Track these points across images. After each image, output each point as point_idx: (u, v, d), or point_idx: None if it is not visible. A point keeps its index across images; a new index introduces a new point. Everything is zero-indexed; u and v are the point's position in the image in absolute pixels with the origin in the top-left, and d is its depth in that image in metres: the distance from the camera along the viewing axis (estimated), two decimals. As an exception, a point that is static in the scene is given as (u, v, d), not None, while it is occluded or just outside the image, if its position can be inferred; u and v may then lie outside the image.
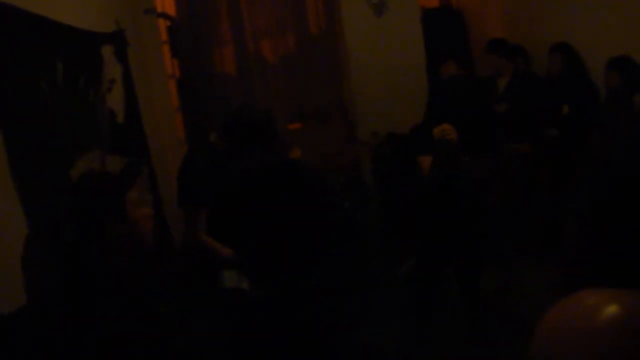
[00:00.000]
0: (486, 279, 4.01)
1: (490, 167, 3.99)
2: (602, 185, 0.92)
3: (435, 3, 7.33)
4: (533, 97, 5.09)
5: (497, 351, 3.64)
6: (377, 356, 3.91)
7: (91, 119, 3.43)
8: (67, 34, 3.20)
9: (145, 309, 2.31)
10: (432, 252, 3.81)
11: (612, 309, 0.74)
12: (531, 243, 4.84)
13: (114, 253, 2.26)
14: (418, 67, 5.53)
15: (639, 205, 0.81)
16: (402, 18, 5.45)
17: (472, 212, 3.65)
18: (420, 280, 3.90)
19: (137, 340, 2.21)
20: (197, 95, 5.55)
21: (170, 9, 5.55)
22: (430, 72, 5.54)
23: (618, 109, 4.35)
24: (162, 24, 5.26)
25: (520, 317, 3.68)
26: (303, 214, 3.10)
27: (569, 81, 4.97)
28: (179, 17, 5.58)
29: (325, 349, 3.32)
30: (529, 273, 4.50)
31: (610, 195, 0.85)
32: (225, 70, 5.89)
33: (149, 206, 2.79)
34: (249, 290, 2.99)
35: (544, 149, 5.03)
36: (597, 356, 0.71)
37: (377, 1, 5.40)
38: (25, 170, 2.46)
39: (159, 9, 5.10)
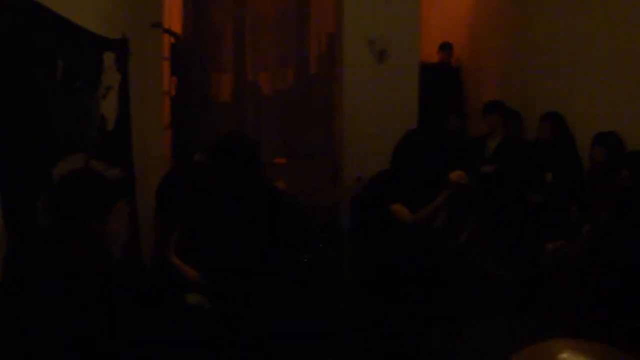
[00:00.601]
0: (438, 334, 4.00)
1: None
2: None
3: (435, 59, 7.45)
4: (519, 163, 5.17)
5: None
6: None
7: (82, 122, 3.41)
8: (72, 31, 3.19)
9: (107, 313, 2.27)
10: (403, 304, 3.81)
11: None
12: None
13: (88, 252, 2.23)
14: (410, 118, 5.60)
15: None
16: (401, 68, 5.55)
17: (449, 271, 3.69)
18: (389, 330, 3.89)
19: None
20: (189, 116, 5.55)
21: (177, 27, 5.59)
22: (422, 124, 5.61)
23: (601, 183, 4.44)
24: (167, 40, 5.28)
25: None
26: (271, 238, 3.13)
27: (555, 150, 5.08)
28: (184, 36, 5.62)
29: None
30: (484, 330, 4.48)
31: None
32: (221, 96, 5.92)
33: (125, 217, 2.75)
34: (209, 308, 2.97)
35: (524, 214, 5.10)
36: None
37: (380, 49, 5.48)
38: (8, 159, 2.43)
39: (166, 25, 5.13)
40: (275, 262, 3.15)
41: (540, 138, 5.25)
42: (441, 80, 7.11)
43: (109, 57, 3.90)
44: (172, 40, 5.43)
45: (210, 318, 2.97)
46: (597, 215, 3.76)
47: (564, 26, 5.43)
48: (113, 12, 4.16)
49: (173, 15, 5.43)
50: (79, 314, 2.10)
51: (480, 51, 7.28)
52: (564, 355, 0.77)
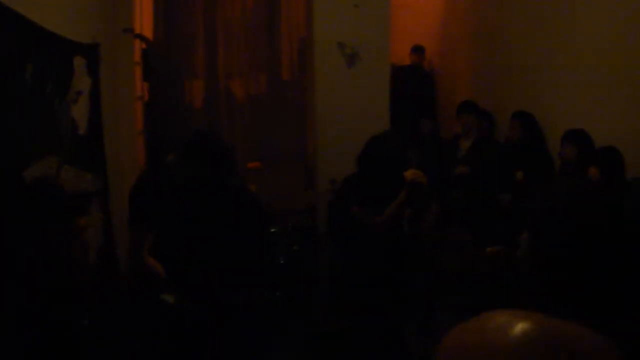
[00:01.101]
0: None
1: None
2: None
3: (406, 62, 7.52)
4: (492, 163, 5.23)
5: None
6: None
7: (53, 125, 3.40)
8: (42, 36, 3.20)
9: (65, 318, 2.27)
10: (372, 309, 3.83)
11: (523, 326, 0.74)
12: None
13: (53, 258, 2.22)
14: (381, 120, 5.63)
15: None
16: (371, 71, 5.58)
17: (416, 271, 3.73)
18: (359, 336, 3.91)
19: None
20: (162, 122, 5.55)
21: (148, 33, 5.59)
22: (395, 127, 5.65)
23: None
24: (138, 45, 5.28)
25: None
26: (237, 236, 3.15)
27: (525, 148, 5.14)
28: (155, 42, 5.62)
29: None
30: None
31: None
32: (194, 102, 5.93)
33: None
34: (175, 304, 2.99)
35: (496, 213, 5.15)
36: None
37: (350, 52, 5.52)
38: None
39: (137, 30, 5.14)
40: (241, 260, 3.17)
41: (511, 137, 5.33)
42: (413, 82, 7.17)
43: (79, 62, 3.90)
44: (144, 45, 5.43)
45: (179, 316, 2.99)
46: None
47: (532, 27, 5.52)
48: (83, 17, 4.17)
49: (144, 21, 5.43)
50: (47, 315, 2.10)
51: (451, 53, 7.37)
52: (503, 318, 0.78)
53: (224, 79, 5.87)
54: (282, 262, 4.89)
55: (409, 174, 3.64)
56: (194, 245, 3.13)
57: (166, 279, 3.07)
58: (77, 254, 2.38)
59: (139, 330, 3.04)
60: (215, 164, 3.13)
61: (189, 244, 3.14)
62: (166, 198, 3.18)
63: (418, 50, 7.48)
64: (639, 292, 1.30)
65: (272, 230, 5.06)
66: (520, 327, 0.73)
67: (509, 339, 0.72)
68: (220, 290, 3.13)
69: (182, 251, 3.14)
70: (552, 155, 5.03)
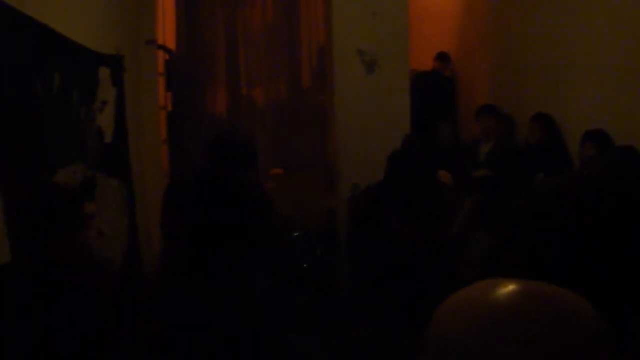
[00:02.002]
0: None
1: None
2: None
3: (426, 67, 7.54)
4: (511, 166, 5.24)
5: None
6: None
7: (79, 133, 3.51)
8: (68, 47, 3.31)
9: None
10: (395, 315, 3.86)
11: (509, 287, 0.78)
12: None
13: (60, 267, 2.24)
14: (402, 126, 5.68)
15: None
16: (391, 77, 5.62)
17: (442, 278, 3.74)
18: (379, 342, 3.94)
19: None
20: (185, 131, 5.65)
21: (171, 44, 5.71)
22: (415, 132, 5.69)
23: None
24: (161, 56, 5.40)
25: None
26: (247, 228, 3.21)
27: (545, 150, 5.14)
28: (178, 53, 5.73)
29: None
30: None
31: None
32: (216, 110, 6.03)
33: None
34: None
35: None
36: (495, 331, 0.74)
37: (370, 59, 5.58)
38: (6, 165, 2.53)
39: (160, 41, 5.25)
40: (245, 250, 3.22)
41: (530, 139, 5.33)
42: (432, 87, 7.20)
43: (104, 72, 4.02)
44: (167, 56, 5.54)
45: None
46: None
47: (550, 28, 5.54)
48: (108, 29, 4.28)
49: (167, 32, 5.55)
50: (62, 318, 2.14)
51: (469, 57, 7.38)
52: (487, 282, 0.82)
53: (246, 88, 5.97)
54: (305, 266, 4.95)
55: (443, 175, 3.70)
56: (207, 241, 3.19)
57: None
58: (85, 242, 2.38)
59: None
60: (238, 161, 3.19)
61: (199, 240, 3.20)
62: (191, 199, 3.26)
63: (442, 57, 7.48)
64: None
65: (295, 234, 5.14)
66: (504, 288, 0.78)
67: (494, 298, 0.77)
68: (230, 281, 3.19)
69: (197, 249, 3.21)
70: (572, 157, 5.03)
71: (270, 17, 5.96)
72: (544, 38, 5.63)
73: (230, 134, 3.33)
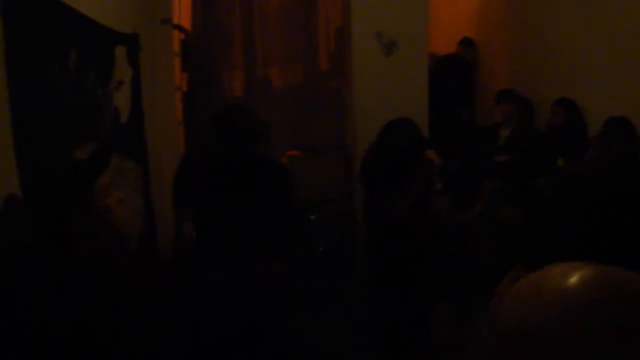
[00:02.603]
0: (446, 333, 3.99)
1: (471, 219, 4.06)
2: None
3: (445, 51, 7.45)
4: (532, 152, 5.18)
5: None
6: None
7: (95, 112, 3.46)
8: (85, 24, 3.26)
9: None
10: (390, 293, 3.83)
11: (580, 272, 0.74)
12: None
13: (81, 241, 2.22)
14: (420, 109, 5.61)
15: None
16: (409, 60, 5.55)
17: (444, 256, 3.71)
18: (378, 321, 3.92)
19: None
20: (201, 112, 5.59)
21: (186, 24, 5.64)
22: (434, 115, 5.62)
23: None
24: (177, 36, 5.34)
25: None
26: (263, 207, 3.19)
27: (567, 135, 5.08)
28: (193, 33, 5.67)
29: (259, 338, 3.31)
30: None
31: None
32: (232, 92, 5.97)
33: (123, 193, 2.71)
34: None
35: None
36: (567, 315, 0.71)
37: (388, 41, 5.50)
38: (25, 144, 2.48)
39: (176, 21, 5.19)
40: (267, 231, 3.20)
41: (553, 123, 5.27)
42: (451, 71, 7.11)
43: (120, 51, 3.97)
44: (182, 36, 5.48)
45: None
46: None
47: (569, 11, 5.46)
48: (123, 7, 4.23)
49: (183, 12, 5.48)
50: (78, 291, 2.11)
51: (489, 41, 7.29)
52: (559, 269, 0.79)
53: (262, 69, 5.91)
54: (322, 249, 4.91)
55: (430, 154, 3.72)
56: (226, 218, 3.17)
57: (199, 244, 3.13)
58: (105, 210, 2.35)
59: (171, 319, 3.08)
60: (244, 137, 3.16)
61: (222, 217, 3.18)
62: (204, 176, 3.24)
63: (466, 42, 7.37)
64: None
65: (312, 217, 5.09)
66: (578, 273, 0.74)
67: (567, 285, 0.73)
68: (250, 261, 3.17)
69: (216, 224, 3.19)
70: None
71: (288, -2, 5.89)
72: (563, 22, 5.55)
73: (236, 111, 3.27)
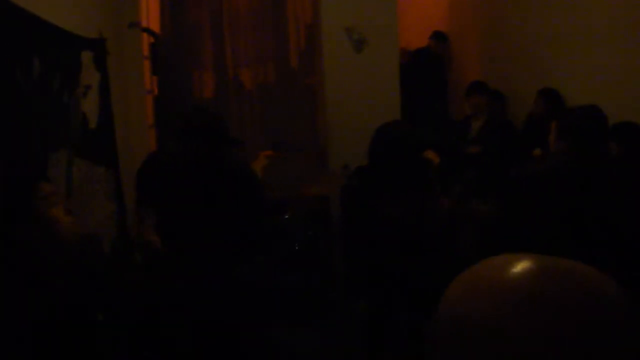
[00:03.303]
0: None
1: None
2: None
3: (415, 45, 7.46)
4: (504, 142, 5.21)
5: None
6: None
7: (63, 119, 3.44)
8: (47, 30, 3.22)
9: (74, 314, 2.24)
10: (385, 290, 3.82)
11: (519, 264, 0.73)
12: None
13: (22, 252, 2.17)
14: (392, 104, 5.62)
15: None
16: (380, 55, 5.56)
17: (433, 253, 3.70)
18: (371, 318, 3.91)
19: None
20: (172, 114, 5.57)
21: (155, 27, 5.61)
22: (407, 111, 5.65)
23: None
24: (146, 39, 5.31)
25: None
26: (229, 210, 3.18)
27: (546, 125, 5.13)
28: (163, 36, 5.64)
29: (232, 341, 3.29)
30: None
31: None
32: (204, 93, 5.95)
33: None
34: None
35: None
36: (502, 310, 0.69)
37: (358, 37, 5.51)
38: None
39: (144, 24, 5.16)
40: (235, 234, 3.19)
41: (534, 113, 5.32)
42: (422, 65, 7.13)
43: (86, 56, 3.93)
44: (152, 39, 5.45)
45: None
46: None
47: (542, 4, 5.49)
48: (89, 12, 4.20)
49: (151, 15, 5.46)
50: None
51: (461, 34, 7.32)
52: (501, 259, 0.78)
53: (233, 70, 5.89)
54: (297, 247, 4.91)
55: (430, 154, 3.73)
56: (189, 220, 3.17)
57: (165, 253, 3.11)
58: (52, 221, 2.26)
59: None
60: (203, 138, 3.16)
61: (185, 220, 3.18)
62: (167, 177, 3.23)
63: (437, 36, 7.35)
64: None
65: (286, 216, 5.08)
66: (516, 265, 0.73)
67: (504, 278, 0.72)
68: (218, 263, 3.16)
69: (180, 227, 3.18)
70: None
71: (256, -4, 5.88)
72: (535, 14, 5.58)
73: (198, 112, 3.28)
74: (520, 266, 0.73)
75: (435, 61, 7.33)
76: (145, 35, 5.26)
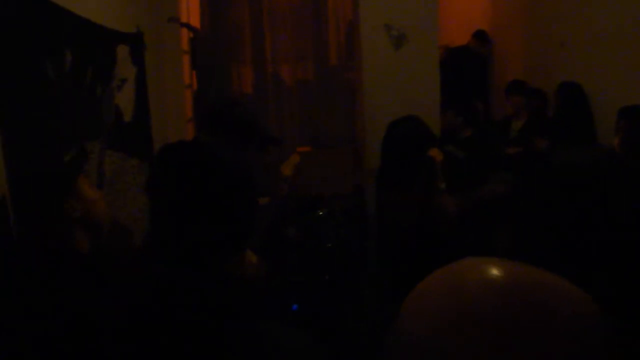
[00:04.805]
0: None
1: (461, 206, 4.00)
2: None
3: (457, 42, 7.36)
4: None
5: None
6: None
7: (94, 112, 3.49)
8: (79, 25, 3.28)
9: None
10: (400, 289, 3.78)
11: (483, 272, 0.67)
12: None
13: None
14: (432, 102, 5.56)
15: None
16: (420, 52, 5.50)
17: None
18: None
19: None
20: (206, 108, 5.62)
21: (195, 22, 5.67)
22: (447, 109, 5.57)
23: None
24: (186, 34, 5.36)
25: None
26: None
27: (566, 121, 5.08)
28: (203, 31, 5.69)
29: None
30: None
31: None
32: (242, 89, 5.98)
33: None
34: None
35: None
36: (463, 325, 0.64)
37: (398, 33, 5.46)
38: (18, 147, 2.51)
39: (184, 19, 5.21)
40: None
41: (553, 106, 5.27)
42: (463, 64, 7.03)
43: (123, 50, 3.99)
44: (191, 34, 5.50)
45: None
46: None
47: (582, 2, 5.37)
48: (128, 8, 4.25)
49: (191, 10, 5.50)
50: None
51: (503, 32, 7.20)
52: (469, 263, 0.73)
53: (272, 66, 5.91)
54: (329, 245, 4.88)
55: (434, 152, 3.70)
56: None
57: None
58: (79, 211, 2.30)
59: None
60: (228, 135, 3.09)
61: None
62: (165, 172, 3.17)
63: (479, 35, 7.25)
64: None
65: (320, 213, 5.07)
66: (480, 273, 0.67)
67: (463, 286, 0.67)
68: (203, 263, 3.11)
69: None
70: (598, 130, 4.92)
71: (297, -8, 5.88)
72: (576, 13, 5.46)
73: (225, 106, 3.21)
74: (481, 276, 0.67)
75: (477, 60, 7.22)
76: (184, 30, 5.31)
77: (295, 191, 3.94)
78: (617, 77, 4.87)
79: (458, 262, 0.75)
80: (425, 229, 3.68)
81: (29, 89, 2.68)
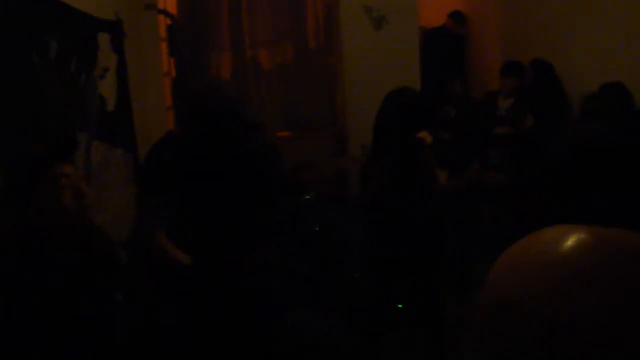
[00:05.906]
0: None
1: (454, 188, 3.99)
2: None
3: (435, 24, 7.35)
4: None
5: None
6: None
7: (80, 101, 3.42)
8: (64, 12, 3.20)
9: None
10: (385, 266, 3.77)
11: (575, 236, 0.67)
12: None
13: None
14: (412, 83, 5.53)
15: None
16: (400, 34, 5.48)
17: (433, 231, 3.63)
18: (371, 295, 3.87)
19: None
20: (187, 96, 5.55)
21: (172, 8, 5.58)
22: (425, 89, 5.56)
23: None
24: (162, 21, 5.27)
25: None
26: (250, 192, 3.07)
27: (537, 95, 5.16)
28: (180, 17, 5.61)
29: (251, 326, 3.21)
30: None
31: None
32: (221, 74, 5.91)
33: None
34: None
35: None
36: (561, 285, 0.64)
37: (377, 15, 5.43)
38: (5, 139, 2.45)
39: (161, 6, 5.12)
40: (252, 218, 3.08)
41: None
42: (441, 44, 7.02)
43: (103, 38, 3.91)
44: (168, 21, 5.42)
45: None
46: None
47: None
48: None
49: (168, -4, 5.42)
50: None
51: (480, 12, 7.21)
52: (553, 232, 0.72)
53: (250, 50, 5.85)
54: (317, 229, 4.88)
55: (424, 135, 3.58)
56: (206, 207, 3.04)
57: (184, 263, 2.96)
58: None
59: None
60: (218, 120, 3.00)
61: (200, 206, 3.05)
62: (176, 166, 3.08)
63: (455, 16, 7.22)
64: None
65: (307, 197, 5.05)
66: (572, 238, 0.67)
67: (563, 249, 0.67)
68: (234, 250, 3.06)
69: (196, 215, 3.04)
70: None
71: (274, -25, 5.81)
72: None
73: (209, 92, 3.12)
74: (574, 240, 0.67)
75: (454, 40, 7.23)
76: (162, 17, 5.23)
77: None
78: (595, 59, 4.88)
79: (541, 231, 0.73)
80: (412, 211, 3.65)
81: (15, 79, 2.62)
